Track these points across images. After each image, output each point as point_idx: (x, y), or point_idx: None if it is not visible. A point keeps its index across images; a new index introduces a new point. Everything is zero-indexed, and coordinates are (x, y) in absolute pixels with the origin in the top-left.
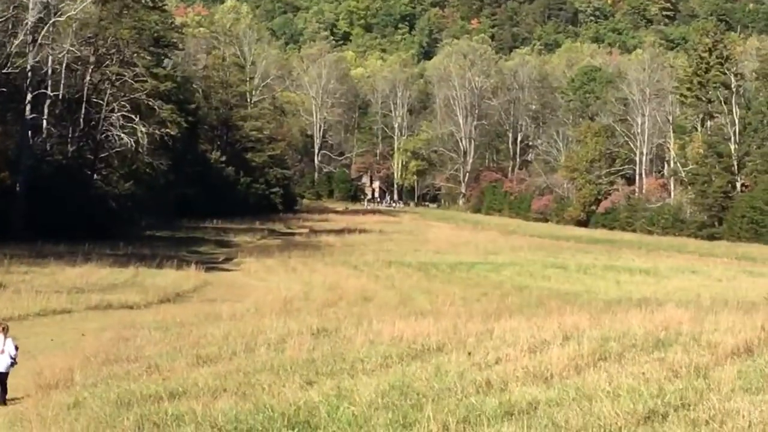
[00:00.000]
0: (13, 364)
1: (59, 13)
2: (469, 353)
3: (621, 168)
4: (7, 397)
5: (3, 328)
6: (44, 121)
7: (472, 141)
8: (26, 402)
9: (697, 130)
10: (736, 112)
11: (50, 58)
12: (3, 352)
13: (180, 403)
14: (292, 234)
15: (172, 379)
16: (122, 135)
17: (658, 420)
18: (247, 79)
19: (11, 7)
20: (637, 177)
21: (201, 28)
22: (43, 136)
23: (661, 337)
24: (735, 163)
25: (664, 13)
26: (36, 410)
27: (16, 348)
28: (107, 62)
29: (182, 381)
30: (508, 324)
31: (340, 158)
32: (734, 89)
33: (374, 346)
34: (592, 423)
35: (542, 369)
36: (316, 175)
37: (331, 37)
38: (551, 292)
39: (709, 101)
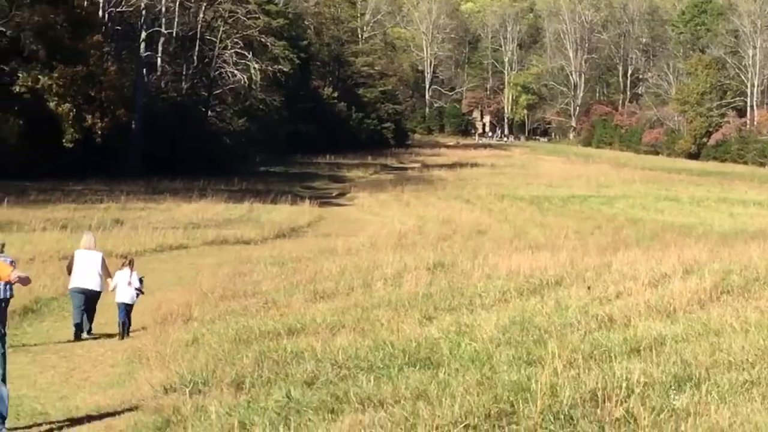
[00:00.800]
0: (139, 294)
1: None
2: (589, 287)
3: (732, 100)
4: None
5: (129, 261)
6: (159, 59)
7: (582, 75)
8: (144, 338)
9: None
10: None
11: None
12: (130, 284)
13: (299, 340)
14: (405, 168)
15: (289, 315)
16: (235, 72)
17: None
18: (358, 15)
19: None
20: (749, 109)
21: None
22: (158, 73)
23: None
24: None
25: None
26: (155, 347)
27: (141, 281)
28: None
29: (300, 317)
30: (626, 257)
31: (451, 93)
32: None
33: (491, 280)
34: (722, 359)
35: (665, 303)
36: (427, 110)
37: None
38: (665, 224)
39: None
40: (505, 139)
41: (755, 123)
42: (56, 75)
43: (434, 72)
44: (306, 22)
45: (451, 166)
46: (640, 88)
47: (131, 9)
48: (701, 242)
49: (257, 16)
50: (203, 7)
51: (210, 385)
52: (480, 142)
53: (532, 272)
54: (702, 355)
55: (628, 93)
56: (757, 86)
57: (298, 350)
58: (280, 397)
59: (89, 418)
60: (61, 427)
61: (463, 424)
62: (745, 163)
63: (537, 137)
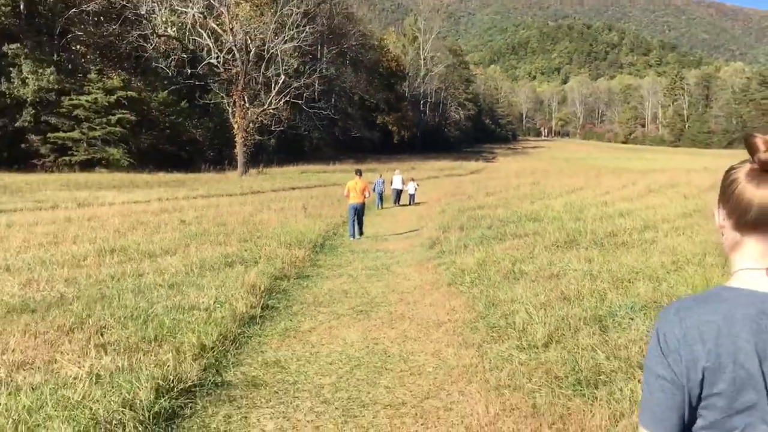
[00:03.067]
0: None
1: None
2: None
3: None
4: None
5: None
6: None
7: None
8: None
9: None
10: None
11: None
12: None
13: (482, 211)
14: None
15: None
16: None
17: None
18: None
19: None
20: None
21: None
22: None
23: None
24: None
25: None
26: (429, 214)
27: None
28: None
29: (481, 203)
30: None
31: None
32: None
33: None
34: (659, 216)
35: (629, 194)
36: None
37: None
38: None
39: None
40: None
41: None
42: None
43: None
44: None
45: None
46: None
47: None
48: None
49: None
50: None
51: (449, 228)
52: None
53: None
54: (647, 215)
55: None
56: None
57: (484, 215)
58: (478, 235)
59: (403, 241)
60: (389, 241)
61: (555, 245)
62: None
63: None
